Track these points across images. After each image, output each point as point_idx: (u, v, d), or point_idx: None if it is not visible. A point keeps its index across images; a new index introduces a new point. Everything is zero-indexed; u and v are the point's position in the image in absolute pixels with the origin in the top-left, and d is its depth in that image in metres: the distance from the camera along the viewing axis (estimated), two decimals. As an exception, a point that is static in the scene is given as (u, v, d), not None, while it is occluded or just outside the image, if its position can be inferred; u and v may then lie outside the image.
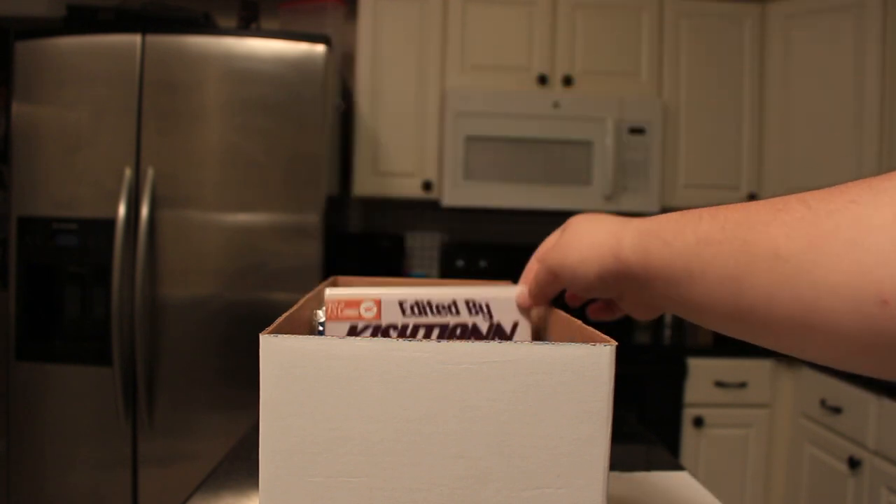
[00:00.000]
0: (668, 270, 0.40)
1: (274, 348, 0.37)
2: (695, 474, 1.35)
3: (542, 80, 2.25)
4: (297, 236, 1.75)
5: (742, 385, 2.03)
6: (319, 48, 1.74)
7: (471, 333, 0.54)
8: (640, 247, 0.42)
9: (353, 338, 0.38)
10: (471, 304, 0.54)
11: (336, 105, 2.01)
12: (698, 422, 2.03)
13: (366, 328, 0.53)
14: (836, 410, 1.80)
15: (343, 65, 2.34)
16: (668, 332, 2.34)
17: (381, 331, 0.53)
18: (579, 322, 0.48)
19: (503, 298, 0.55)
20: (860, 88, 2.10)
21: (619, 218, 0.48)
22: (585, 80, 2.27)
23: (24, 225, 1.73)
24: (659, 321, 2.45)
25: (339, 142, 2.16)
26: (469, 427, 0.38)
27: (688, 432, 2.04)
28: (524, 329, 0.56)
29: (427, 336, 0.54)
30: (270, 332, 0.38)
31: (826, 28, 2.17)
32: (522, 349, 0.37)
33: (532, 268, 0.57)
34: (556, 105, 2.19)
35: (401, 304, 0.53)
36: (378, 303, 0.53)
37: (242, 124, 1.73)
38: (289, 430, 0.38)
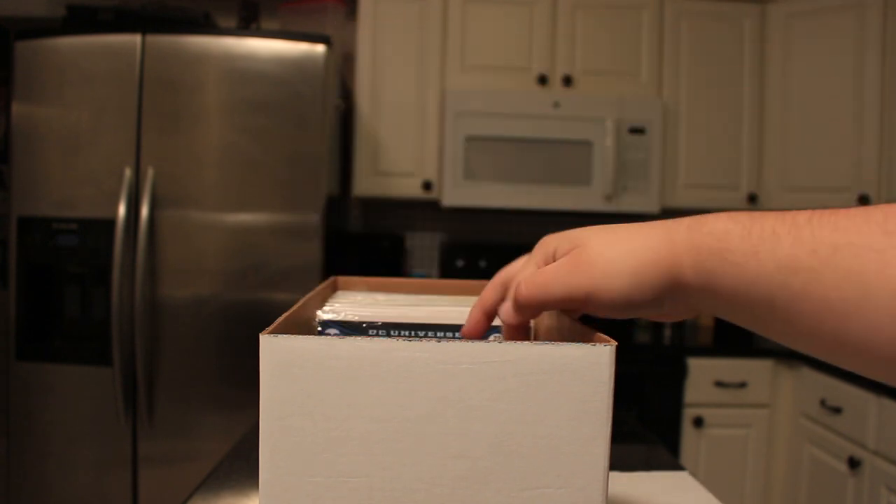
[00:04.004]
0: (742, 297, 0.35)
1: (274, 348, 0.37)
2: (695, 474, 1.35)
3: (542, 80, 2.25)
4: (297, 236, 1.75)
5: (742, 385, 2.03)
6: (319, 48, 1.74)
7: None
8: (700, 265, 0.36)
9: (353, 337, 0.38)
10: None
11: (336, 105, 2.01)
12: (698, 422, 2.03)
13: None
14: (836, 410, 1.80)
15: (343, 65, 2.34)
16: (668, 332, 2.34)
17: None
18: (579, 322, 0.48)
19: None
20: (860, 88, 2.10)
21: (650, 224, 0.40)
22: (585, 80, 2.27)
23: (24, 225, 1.73)
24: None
25: (339, 142, 2.16)
26: (469, 427, 0.38)
27: (688, 432, 2.04)
28: None
29: None
30: (270, 332, 0.38)
31: (826, 28, 2.17)
32: (522, 349, 0.37)
33: (495, 288, 0.47)
34: (556, 105, 2.19)
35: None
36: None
37: (242, 124, 1.73)
38: (289, 430, 0.38)
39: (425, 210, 2.56)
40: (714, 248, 0.35)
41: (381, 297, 0.64)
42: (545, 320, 0.60)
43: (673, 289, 0.38)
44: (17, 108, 1.73)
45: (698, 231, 0.37)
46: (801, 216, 0.33)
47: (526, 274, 0.44)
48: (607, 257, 0.39)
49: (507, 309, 0.45)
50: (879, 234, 0.30)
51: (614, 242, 0.39)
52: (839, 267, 0.30)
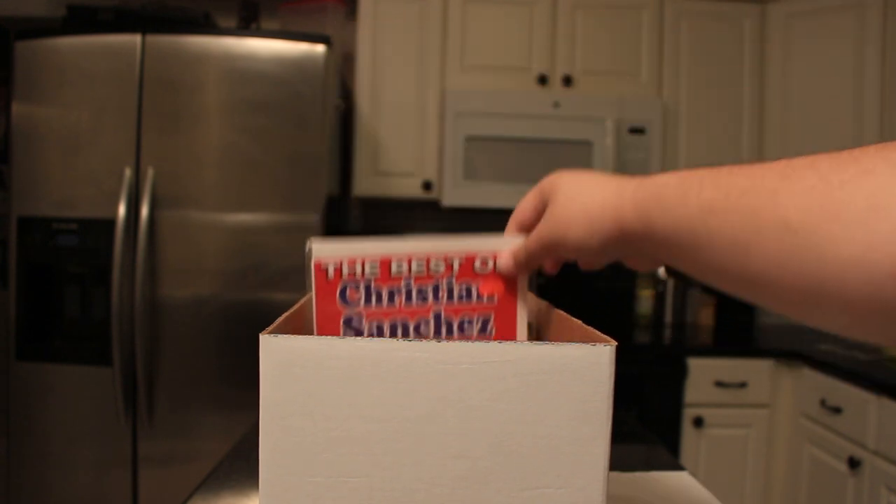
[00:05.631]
0: (672, 238, 0.40)
1: (274, 348, 0.37)
2: (695, 474, 1.34)
3: (542, 80, 2.25)
4: (297, 236, 1.74)
5: (742, 385, 2.03)
6: (319, 48, 1.74)
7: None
8: (642, 213, 0.42)
9: (352, 338, 0.38)
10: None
11: (336, 105, 2.01)
12: (698, 422, 2.03)
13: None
14: (836, 410, 1.80)
15: (343, 65, 2.34)
16: (668, 332, 2.34)
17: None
18: (579, 322, 0.48)
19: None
20: (860, 88, 2.10)
21: (610, 178, 0.47)
22: (585, 80, 2.27)
23: (24, 225, 1.73)
24: (659, 321, 2.44)
25: (339, 142, 2.16)
26: (469, 427, 0.38)
27: (688, 432, 2.04)
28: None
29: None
30: (270, 332, 0.38)
31: (826, 28, 2.17)
32: (522, 349, 0.37)
33: (511, 230, 0.57)
34: (556, 105, 2.19)
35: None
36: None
37: (242, 124, 1.73)
38: (289, 430, 0.38)
39: (425, 210, 2.56)
40: (653, 197, 0.41)
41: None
42: (546, 317, 0.60)
43: (621, 235, 0.44)
44: (17, 108, 1.73)
45: (643, 185, 0.43)
46: (728, 167, 0.38)
47: (513, 236, 0.56)
48: (570, 211, 0.47)
49: (506, 264, 0.55)
50: (778, 178, 0.34)
51: (576, 196, 0.48)
52: (744, 207, 0.35)
